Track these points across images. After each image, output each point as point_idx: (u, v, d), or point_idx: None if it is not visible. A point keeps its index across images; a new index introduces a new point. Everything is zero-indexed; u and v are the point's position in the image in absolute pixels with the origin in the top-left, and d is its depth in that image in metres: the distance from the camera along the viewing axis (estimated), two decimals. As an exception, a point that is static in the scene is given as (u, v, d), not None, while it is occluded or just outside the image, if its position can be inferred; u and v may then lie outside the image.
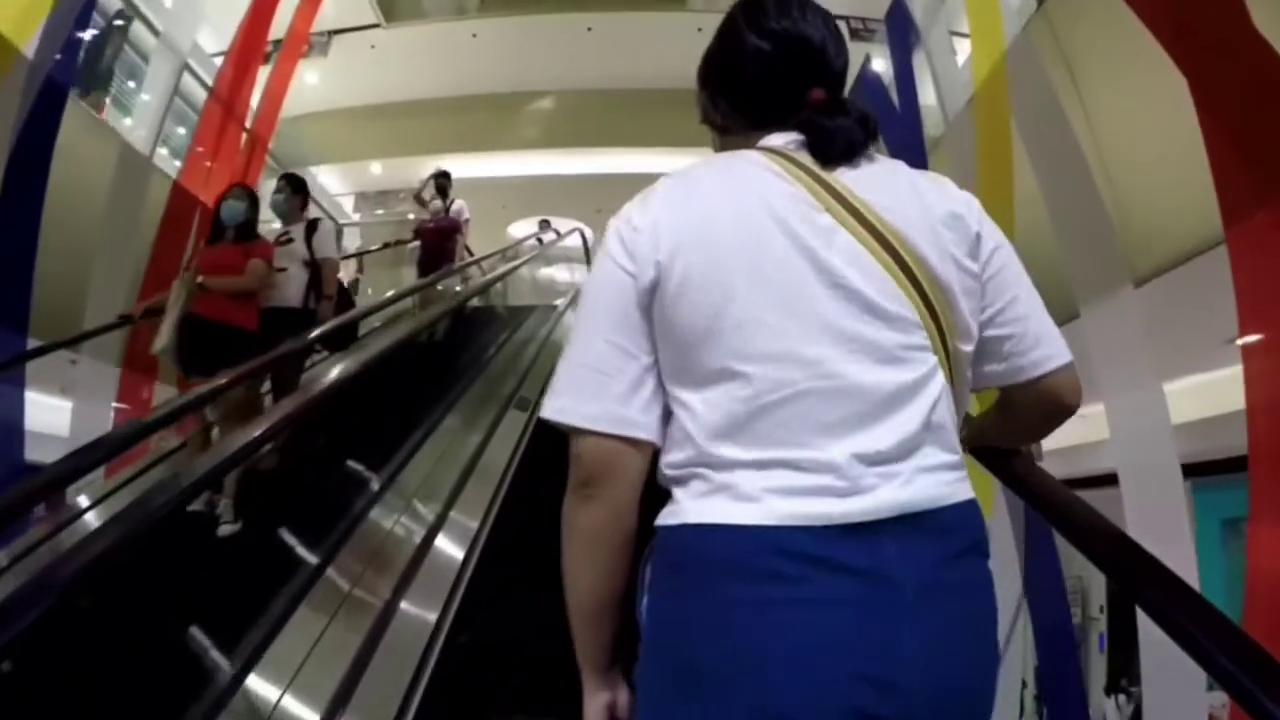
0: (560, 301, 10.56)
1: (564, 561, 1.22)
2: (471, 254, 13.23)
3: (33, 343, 6.31)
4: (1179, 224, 5.53)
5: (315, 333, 4.82)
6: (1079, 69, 6.14)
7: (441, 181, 10.06)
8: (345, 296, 5.78)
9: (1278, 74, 3.82)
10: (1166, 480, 4.89)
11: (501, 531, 3.65)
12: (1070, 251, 5.67)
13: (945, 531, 1.11)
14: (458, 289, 9.03)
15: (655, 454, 1.22)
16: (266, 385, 5.34)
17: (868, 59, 10.34)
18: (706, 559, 1.09)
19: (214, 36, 11.28)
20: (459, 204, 10.03)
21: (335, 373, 3.25)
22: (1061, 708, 6.53)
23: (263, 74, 11.35)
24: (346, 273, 10.24)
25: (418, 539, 3.41)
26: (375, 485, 3.84)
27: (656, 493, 1.22)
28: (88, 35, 8.15)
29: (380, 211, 18.25)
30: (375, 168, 17.52)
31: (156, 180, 8.77)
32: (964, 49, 8.37)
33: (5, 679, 2.25)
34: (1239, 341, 4.24)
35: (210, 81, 10.20)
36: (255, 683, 2.44)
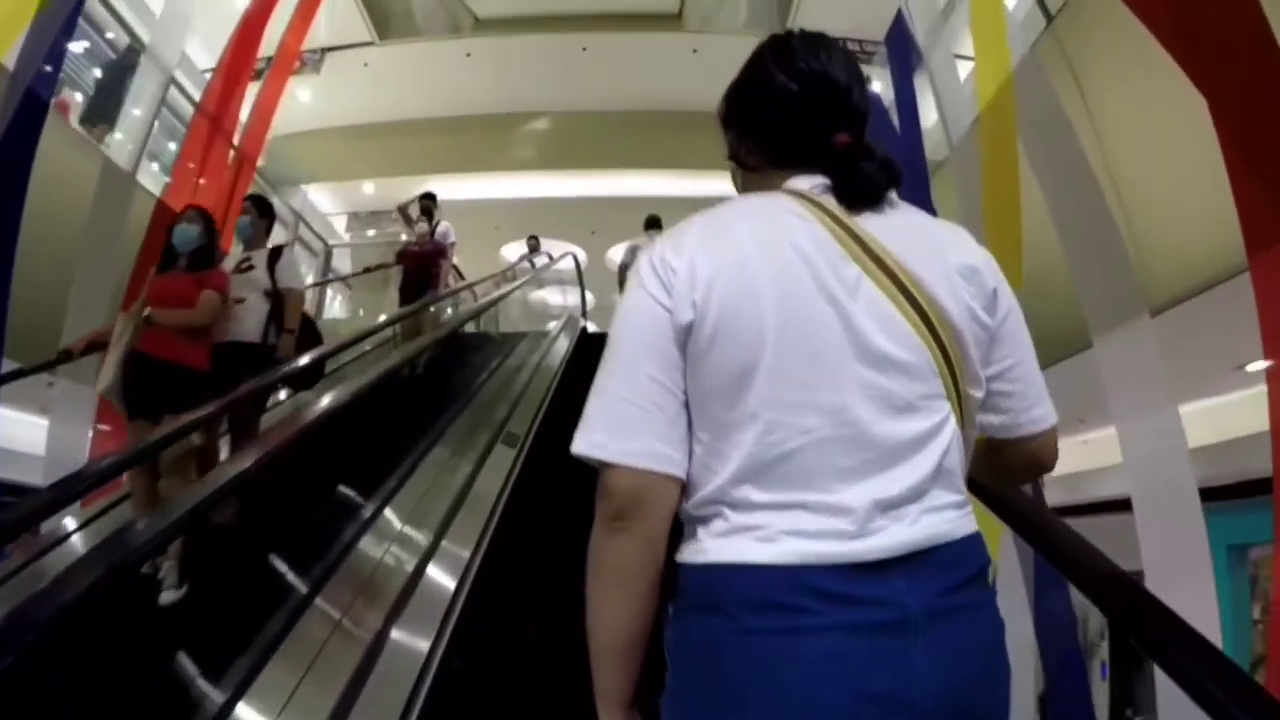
0: (553, 326, 10.31)
1: (590, 599, 1.24)
2: (461, 276, 13.11)
3: (9, 364, 6.06)
4: (1195, 249, 5.36)
5: (276, 374, 4.50)
6: (1090, 89, 5.99)
7: (426, 203, 9.69)
8: (310, 329, 5.39)
9: (1305, 94, 3.66)
10: (1183, 508, 4.71)
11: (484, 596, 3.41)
12: (1084, 279, 5.47)
13: (950, 564, 1.17)
14: (444, 316, 8.75)
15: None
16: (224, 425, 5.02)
17: (867, 80, 10.19)
18: (731, 596, 1.14)
19: (205, 51, 11.14)
20: (444, 226, 9.60)
21: (303, 417, 3.00)
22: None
23: (253, 90, 11.13)
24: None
25: (388, 606, 3.11)
26: (337, 550, 3.50)
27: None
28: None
29: (372, 232, 18.12)
30: (368, 187, 17.38)
31: (139, 198, 8.54)
32: (966, 69, 8.21)
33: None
34: (1257, 366, 4.04)
35: (198, 97, 9.99)
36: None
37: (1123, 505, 10.72)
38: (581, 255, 14.73)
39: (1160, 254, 5.63)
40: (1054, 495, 8.21)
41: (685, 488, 1.23)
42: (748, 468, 1.18)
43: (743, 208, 1.35)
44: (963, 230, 1.38)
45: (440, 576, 3.36)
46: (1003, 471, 1.52)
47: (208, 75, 10.60)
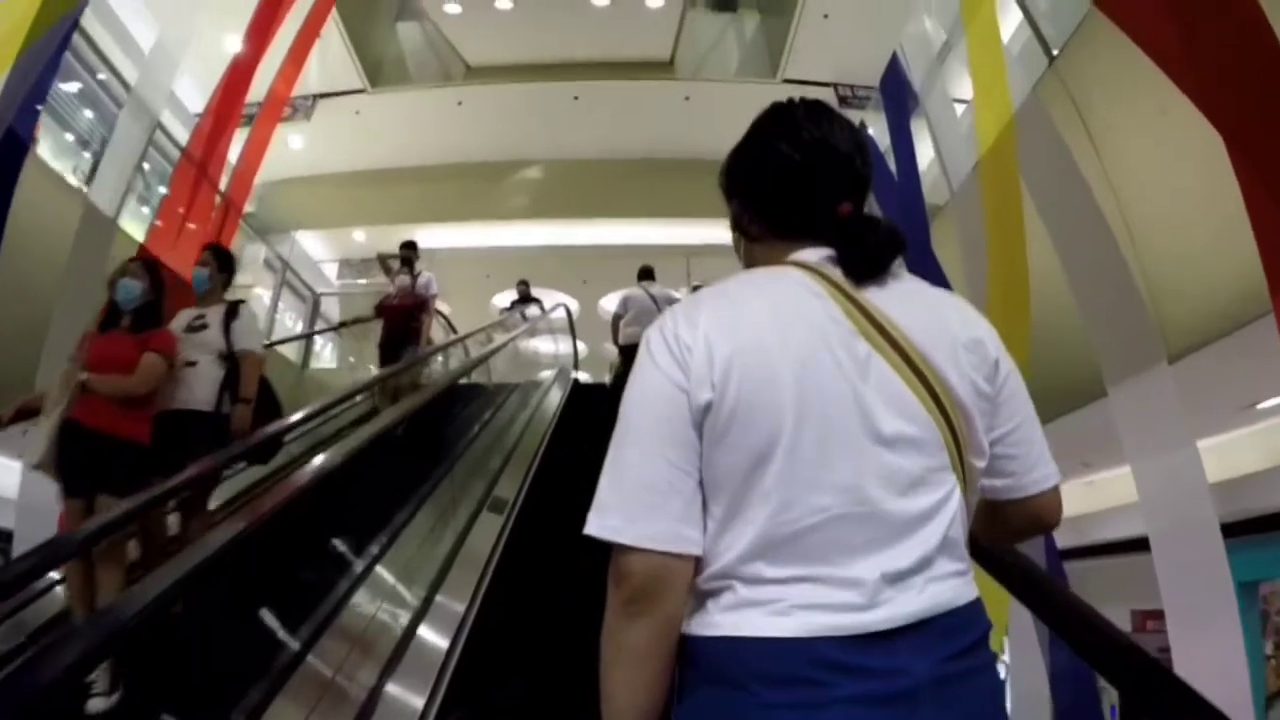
0: (544, 376, 10.05)
1: (606, 681, 1.22)
2: (453, 328, 12.90)
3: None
4: (1211, 291, 5.18)
5: (227, 454, 3.98)
6: (1097, 128, 5.83)
7: (407, 253, 9.19)
8: (268, 396, 4.83)
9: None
10: (1206, 547, 4.50)
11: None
12: (1097, 325, 5.29)
13: (954, 631, 1.19)
14: (426, 374, 8.40)
15: None
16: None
17: (861, 125, 10.09)
18: (746, 669, 1.14)
19: (198, 93, 11.01)
20: (426, 277, 9.06)
21: (265, 503, 2.62)
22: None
23: (242, 136, 11.00)
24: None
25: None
26: (298, 644, 3.08)
27: None
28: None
29: (363, 281, 17.91)
30: (359, 235, 17.25)
31: (121, 243, 8.33)
32: (964, 112, 8.08)
33: None
34: (1270, 403, 3.84)
35: (184, 141, 9.81)
36: None
37: (1126, 546, 10.59)
38: (573, 305, 14.54)
39: (1176, 297, 5.43)
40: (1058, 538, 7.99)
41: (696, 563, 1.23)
42: (760, 545, 1.18)
43: (754, 283, 1.35)
44: (965, 301, 1.40)
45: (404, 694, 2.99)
46: (1005, 530, 1.50)
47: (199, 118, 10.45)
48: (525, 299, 13.24)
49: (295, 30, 11.71)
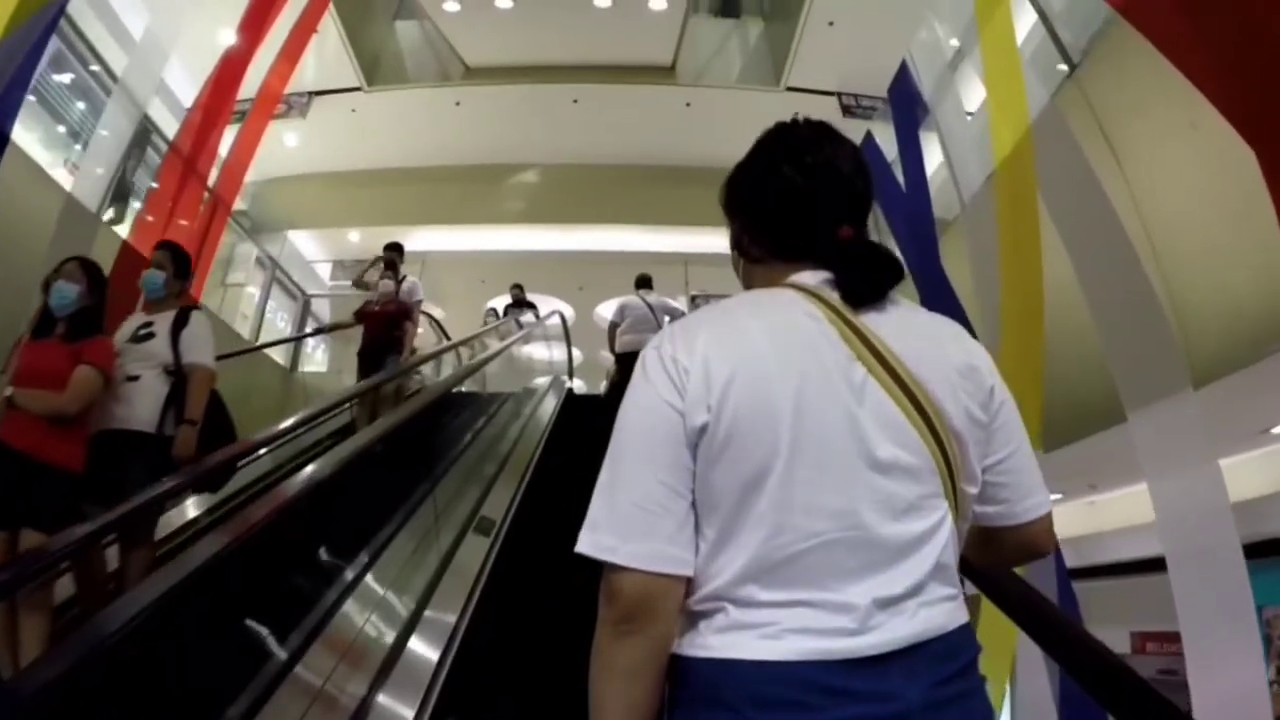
0: (539, 383, 9.77)
1: (596, 698, 1.22)
2: (445, 334, 12.63)
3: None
4: (1240, 312, 4.96)
5: (164, 488, 3.41)
6: (1119, 140, 5.60)
7: (391, 255, 8.68)
8: (220, 416, 4.28)
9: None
10: (1227, 570, 4.34)
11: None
12: (1117, 347, 5.06)
13: (945, 655, 1.19)
14: (410, 385, 8.02)
15: None
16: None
17: (868, 136, 9.87)
18: (738, 691, 1.14)
19: (191, 85, 10.74)
20: (411, 282, 8.54)
21: (220, 540, 2.30)
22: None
23: (233, 132, 10.74)
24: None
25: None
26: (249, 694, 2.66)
27: None
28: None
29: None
30: (354, 235, 17.00)
31: (105, 239, 8.06)
32: (976, 119, 7.83)
33: None
34: None
35: (182, 132, 9.52)
36: None
37: (1126, 568, 10.41)
38: (569, 312, 14.31)
39: (1203, 320, 5.21)
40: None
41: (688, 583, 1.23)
42: (753, 568, 1.19)
43: (753, 305, 1.36)
44: (960, 327, 1.40)
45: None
46: (997, 556, 1.51)
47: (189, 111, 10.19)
48: (519, 303, 12.95)
49: (291, 25, 11.53)
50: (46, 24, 6.90)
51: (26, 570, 2.70)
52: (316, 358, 13.27)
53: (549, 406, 7.99)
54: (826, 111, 14.19)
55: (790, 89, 14.37)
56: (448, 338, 12.29)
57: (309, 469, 2.93)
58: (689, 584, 1.22)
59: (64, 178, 8.19)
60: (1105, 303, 5.21)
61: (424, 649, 3.07)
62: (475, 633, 3.35)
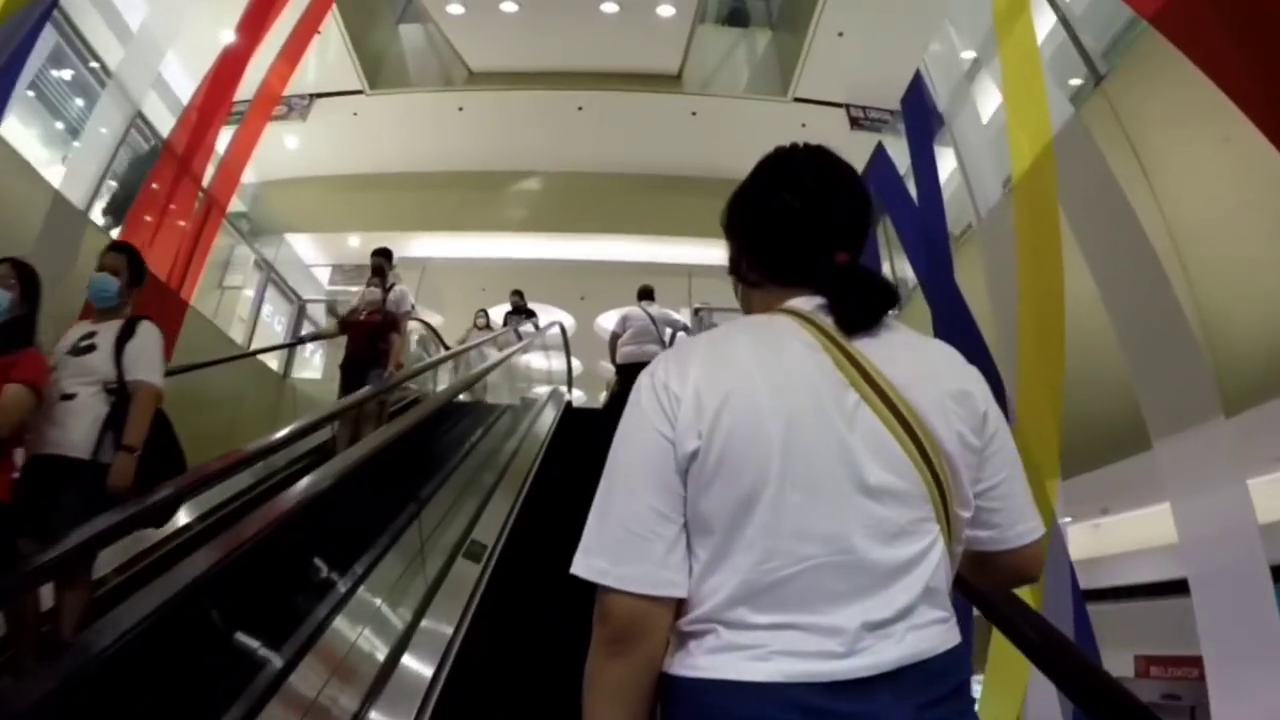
0: (539, 394, 9.53)
1: (588, 713, 1.23)
2: (441, 341, 12.39)
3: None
4: (1275, 334, 4.72)
5: (103, 522, 2.88)
6: (1147, 153, 5.36)
7: (379, 261, 8.10)
8: (167, 441, 3.78)
9: None
10: (1254, 593, 4.17)
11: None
12: (1143, 371, 4.82)
13: (933, 678, 1.19)
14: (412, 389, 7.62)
15: None
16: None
17: (880, 148, 9.66)
18: (722, 711, 1.16)
19: (190, 80, 10.52)
20: (400, 290, 7.94)
21: (165, 585, 2.06)
22: None
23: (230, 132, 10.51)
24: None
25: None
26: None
27: None
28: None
29: (355, 288, 17.43)
30: (354, 240, 16.81)
31: (94, 239, 7.82)
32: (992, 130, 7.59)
33: None
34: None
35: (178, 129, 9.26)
36: None
37: (1131, 592, 10.21)
38: (569, 322, 14.11)
39: (1235, 341, 4.95)
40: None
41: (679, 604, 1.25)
42: (744, 592, 1.20)
43: (747, 332, 1.38)
44: (955, 351, 1.41)
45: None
46: (989, 579, 1.52)
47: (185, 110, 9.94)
48: (519, 310, 12.66)
49: (292, 25, 11.32)
50: (39, 16, 6.71)
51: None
52: (314, 363, 13.07)
53: (547, 420, 7.74)
54: (834, 123, 14.23)
55: (798, 100, 14.24)
56: (445, 346, 12.06)
57: (281, 498, 2.63)
58: (680, 605, 1.24)
59: (60, 175, 7.99)
60: (1131, 324, 4.97)
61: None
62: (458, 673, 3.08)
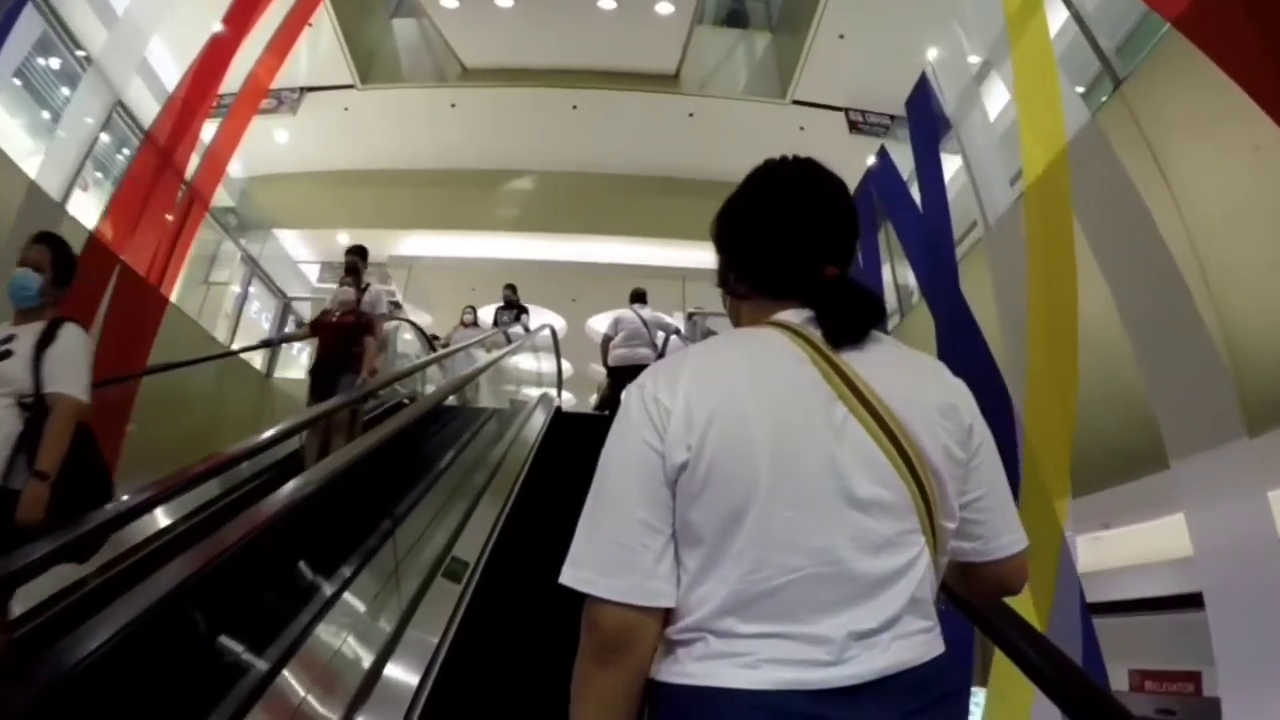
0: (527, 398, 9.28)
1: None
2: (428, 341, 12.11)
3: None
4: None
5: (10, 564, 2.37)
6: (1168, 161, 5.13)
7: (353, 259, 7.70)
8: (90, 462, 3.32)
9: None
10: (1272, 607, 3.99)
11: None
12: (1163, 388, 4.60)
13: (918, 686, 1.22)
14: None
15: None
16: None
17: (883, 151, 9.45)
18: (710, 717, 1.18)
19: (177, 67, 10.25)
20: (375, 291, 7.58)
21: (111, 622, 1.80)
22: None
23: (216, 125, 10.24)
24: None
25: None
26: None
27: None
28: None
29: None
30: (343, 237, 16.53)
31: (70, 231, 7.55)
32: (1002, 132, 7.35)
33: None
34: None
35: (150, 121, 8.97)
36: None
37: (1126, 606, 10.10)
38: (560, 324, 13.88)
39: (1260, 358, 4.73)
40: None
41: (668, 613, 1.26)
42: (733, 602, 1.22)
43: (736, 344, 1.41)
44: (941, 365, 1.44)
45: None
46: (974, 590, 1.53)
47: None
48: (511, 305, 12.38)
49: (282, 17, 11.07)
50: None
51: None
52: (301, 361, 12.77)
53: (535, 425, 7.48)
54: (833, 126, 14.06)
55: (797, 102, 14.08)
56: (433, 347, 11.81)
57: (234, 524, 2.32)
58: (669, 614, 1.26)
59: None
60: (1149, 337, 4.76)
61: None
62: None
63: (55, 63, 8.95)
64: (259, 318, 12.72)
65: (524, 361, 11.16)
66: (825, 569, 1.21)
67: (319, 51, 13.66)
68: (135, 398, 7.51)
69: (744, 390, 1.28)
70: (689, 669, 1.21)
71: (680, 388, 1.29)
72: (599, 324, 14.15)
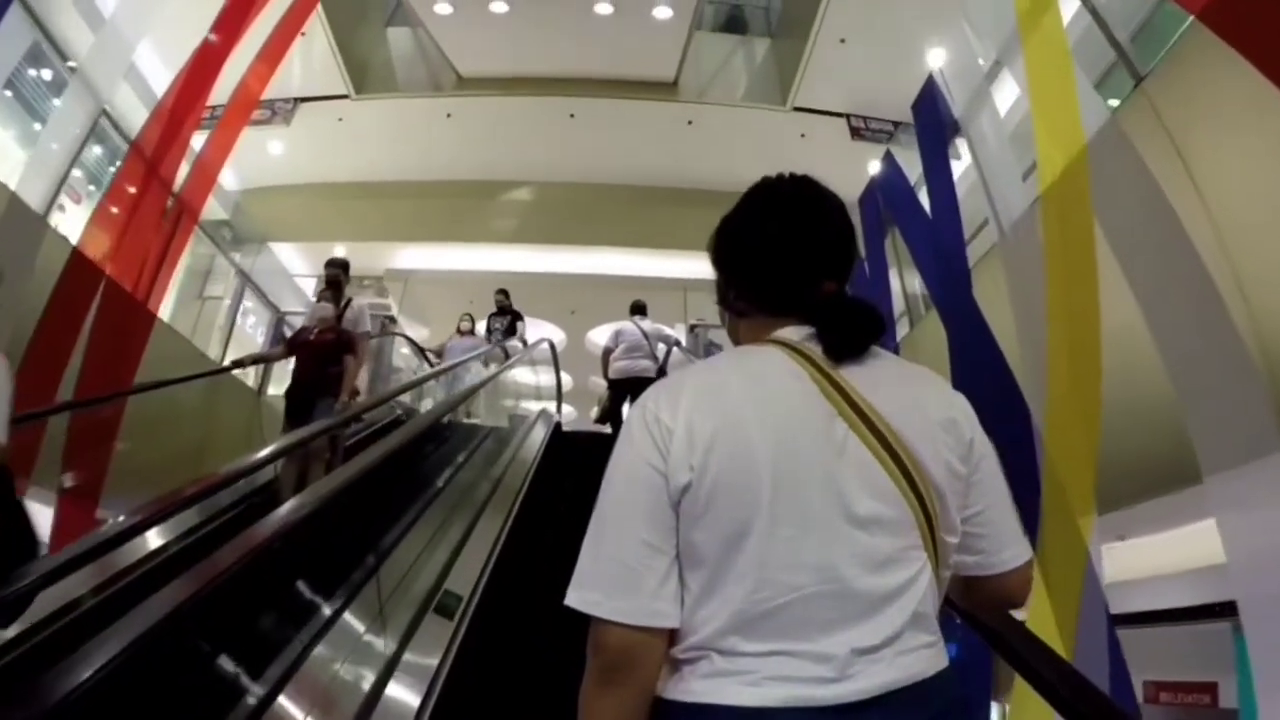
0: (530, 408, 9.06)
1: None
2: (425, 356, 11.88)
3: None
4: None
5: None
6: (1197, 163, 4.90)
7: (334, 272, 7.23)
8: (7, 510, 2.89)
9: None
10: None
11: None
12: (1194, 400, 4.37)
13: (922, 700, 1.22)
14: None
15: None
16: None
17: (889, 155, 9.23)
18: None
19: (167, 70, 10.03)
20: (358, 308, 7.09)
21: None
22: None
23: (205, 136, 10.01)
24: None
25: None
26: None
27: None
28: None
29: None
30: (339, 250, 16.34)
31: (53, 246, 7.31)
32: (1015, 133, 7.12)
33: None
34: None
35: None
36: None
37: (1141, 618, 9.94)
38: (559, 337, 13.67)
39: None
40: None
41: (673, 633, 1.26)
42: (736, 621, 1.22)
43: (736, 365, 1.41)
44: (941, 379, 1.45)
45: None
46: (977, 603, 1.53)
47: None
48: (503, 311, 12.03)
49: (273, 25, 10.86)
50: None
51: None
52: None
53: (535, 441, 7.24)
54: (835, 133, 13.88)
55: (797, 109, 13.89)
56: (429, 362, 11.57)
57: (197, 570, 2.05)
58: (674, 634, 1.26)
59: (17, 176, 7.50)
60: (1179, 347, 4.52)
61: None
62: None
63: (47, 74, 8.78)
64: (254, 333, 12.51)
65: (523, 375, 10.90)
66: (827, 587, 1.22)
67: (312, 61, 13.51)
68: (122, 417, 7.31)
69: (745, 409, 1.29)
70: (693, 687, 1.22)
71: (682, 408, 1.29)
72: (599, 336, 13.97)
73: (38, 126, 8.90)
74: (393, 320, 12.66)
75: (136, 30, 8.49)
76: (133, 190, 8.31)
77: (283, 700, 2.47)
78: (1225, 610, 9.15)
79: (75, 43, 8.47)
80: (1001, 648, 1.84)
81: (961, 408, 1.39)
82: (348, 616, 3.00)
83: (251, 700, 2.40)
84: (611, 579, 1.24)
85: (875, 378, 1.34)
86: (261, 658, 2.58)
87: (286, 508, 2.55)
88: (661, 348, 9.37)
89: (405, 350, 12.53)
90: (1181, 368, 4.49)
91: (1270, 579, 4.05)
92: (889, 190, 8.60)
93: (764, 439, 1.26)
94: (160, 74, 10.40)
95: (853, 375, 1.33)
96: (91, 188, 9.49)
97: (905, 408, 1.32)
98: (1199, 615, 9.62)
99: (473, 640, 3.31)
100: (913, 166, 8.81)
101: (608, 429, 9.63)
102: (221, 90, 9.67)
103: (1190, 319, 4.49)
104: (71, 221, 8.22)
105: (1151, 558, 9.84)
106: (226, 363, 9.39)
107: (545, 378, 11.64)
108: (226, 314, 11.60)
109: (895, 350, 7.06)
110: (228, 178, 13.77)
